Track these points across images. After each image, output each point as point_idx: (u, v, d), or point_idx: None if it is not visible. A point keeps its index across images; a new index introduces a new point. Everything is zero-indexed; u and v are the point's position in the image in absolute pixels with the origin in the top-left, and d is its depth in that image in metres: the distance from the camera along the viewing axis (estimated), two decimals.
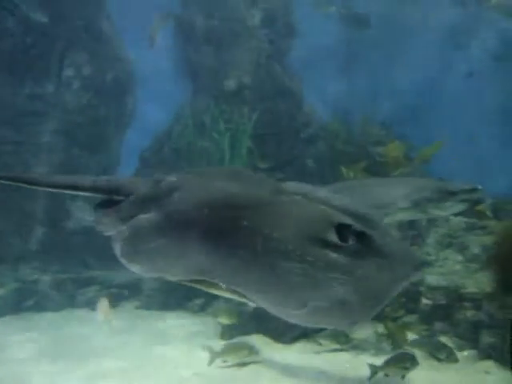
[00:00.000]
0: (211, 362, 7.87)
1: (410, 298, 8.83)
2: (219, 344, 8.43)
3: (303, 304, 3.49)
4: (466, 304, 8.29)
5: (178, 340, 9.29)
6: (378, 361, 7.38)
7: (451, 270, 9.05)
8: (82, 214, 12.26)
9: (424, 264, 3.89)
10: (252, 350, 7.96)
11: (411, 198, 7.30)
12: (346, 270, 3.65)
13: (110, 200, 4.85)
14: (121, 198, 4.78)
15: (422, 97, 19.30)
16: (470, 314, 8.23)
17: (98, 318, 9.19)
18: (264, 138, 12.54)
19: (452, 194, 7.18)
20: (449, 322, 8.45)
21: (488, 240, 8.80)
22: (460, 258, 9.37)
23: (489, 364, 7.59)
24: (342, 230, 3.75)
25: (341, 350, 8.34)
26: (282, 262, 3.72)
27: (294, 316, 3.47)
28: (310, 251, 3.73)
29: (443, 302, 8.56)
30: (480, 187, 7.11)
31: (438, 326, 8.57)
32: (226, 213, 4.15)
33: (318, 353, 8.38)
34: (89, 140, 13.25)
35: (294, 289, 3.60)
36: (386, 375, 7.00)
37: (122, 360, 8.19)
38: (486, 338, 7.79)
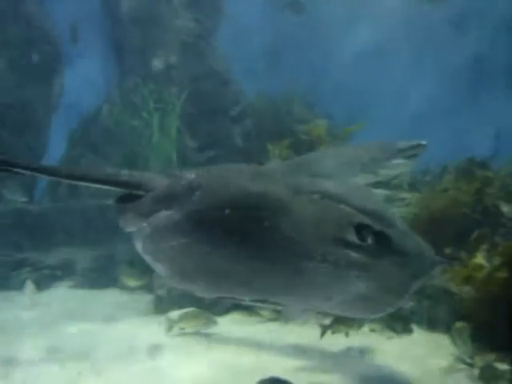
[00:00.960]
0: (169, 329, 8.05)
1: None
2: (154, 319, 8.64)
3: (329, 298, 3.71)
4: None
5: (118, 316, 9.38)
6: (306, 328, 7.92)
7: None
8: (13, 196, 12.15)
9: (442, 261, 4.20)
10: (209, 319, 8.15)
11: (360, 162, 7.57)
12: (366, 267, 3.78)
13: (130, 194, 4.79)
14: (141, 193, 4.73)
15: (352, 76, 19.86)
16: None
17: (26, 300, 9.28)
18: (193, 117, 12.69)
19: (398, 151, 7.45)
20: None
21: (406, 211, 9.26)
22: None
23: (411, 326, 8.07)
24: (361, 229, 3.88)
25: (272, 320, 8.71)
26: (305, 262, 3.81)
27: (321, 307, 3.73)
28: (332, 251, 3.82)
29: None
30: (424, 142, 7.38)
31: None
32: (247, 214, 4.16)
33: (253, 323, 8.71)
34: (16, 122, 13.09)
35: (319, 287, 3.77)
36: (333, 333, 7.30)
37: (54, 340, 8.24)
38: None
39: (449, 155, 10.70)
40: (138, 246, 4.32)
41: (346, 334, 7.04)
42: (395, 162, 7.43)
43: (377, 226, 3.92)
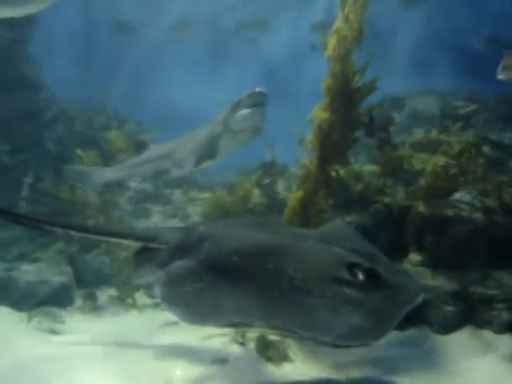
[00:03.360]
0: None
1: None
2: None
3: (330, 331, 3.98)
4: None
5: None
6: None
7: None
8: None
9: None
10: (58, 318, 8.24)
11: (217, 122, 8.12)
12: (359, 301, 4.17)
13: (145, 248, 5.36)
14: (155, 245, 5.28)
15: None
16: None
17: None
18: (5, 122, 12.66)
19: (239, 102, 7.91)
20: None
21: (204, 209, 10.20)
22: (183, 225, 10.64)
23: None
24: (352, 267, 4.33)
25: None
26: (306, 298, 4.16)
27: (324, 340, 4.02)
28: (329, 288, 4.22)
29: None
30: (264, 90, 7.89)
31: None
32: (253, 259, 4.58)
33: None
34: None
35: (320, 320, 4.07)
36: None
37: None
38: None
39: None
40: (158, 294, 4.59)
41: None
42: (243, 112, 8.00)
43: (366, 264, 4.43)
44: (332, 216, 7.95)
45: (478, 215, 8.13)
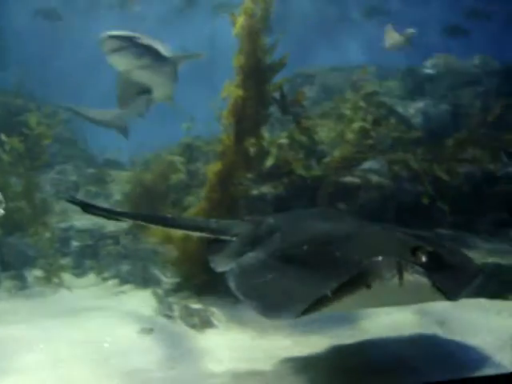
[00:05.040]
0: None
1: (62, 243, 9.96)
2: None
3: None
4: (108, 241, 9.67)
5: None
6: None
7: None
8: None
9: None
10: None
11: None
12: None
13: (218, 240, 5.42)
14: (227, 238, 5.35)
15: None
16: (111, 248, 9.64)
17: None
18: None
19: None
20: (96, 258, 9.76)
21: (125, 188, 10.28)
22: (106, 204, 10.67)
23: (127, 287, 9.07)
24: (416, 250, 4.31)
25: None
26: None
27: None
28: None
29: (90, 242, 9.84)
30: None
31: (87, 263, 9.82)
32: (322, 248, 4.56)
33: None
34: None
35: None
36: None
37: None
38: (125, 267, 9.29)
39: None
40: (231, 285, 4.57)
41: None
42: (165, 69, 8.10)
43: (428, 247, 4.45)
44: (250, 188, 8.24)
45: (386, 182, 8.62)
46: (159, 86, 8.37)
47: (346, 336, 6.22)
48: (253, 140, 7.70)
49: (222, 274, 7.41)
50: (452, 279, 4.42)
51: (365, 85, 10.28)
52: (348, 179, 8.47)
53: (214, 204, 7.51)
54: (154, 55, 7.80)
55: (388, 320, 6.48)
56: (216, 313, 7.10)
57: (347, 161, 8.78)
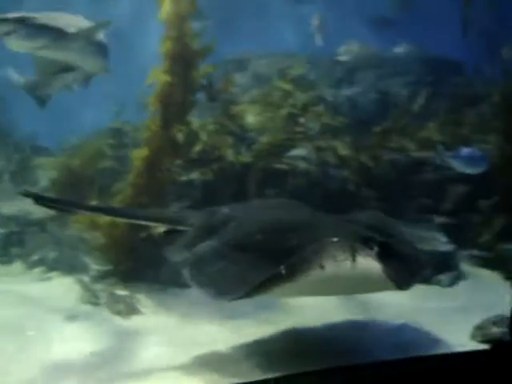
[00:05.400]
0: None
1: None
2: None
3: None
4: (35, 228, 9.42)
5: None
6: None
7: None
8: None
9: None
10: None
11: None
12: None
13: (173, 230, 5.45)
14: (182, 228, 5.37)
15: None
16: (38, 235, 9.36)
17: None
18: None
19: None
20: (22, 245, 9.49)
21: (52, 174, 10.03)
22: (33, 189, 10.32)
23: (54, 274, 8.83)
24: (368, 241, 4.38)
25: None
26: None
27: None
28: None
29: (16, 229, 9.58)
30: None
31: (13, 251, 9.54)
32: (274, 237, 4.69)
33: None
34: None
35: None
36: None
37: None
38: (52, 254, 9.07)
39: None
40: (186, 274, 4.71)
41: None
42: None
43: (379, 237, 4.58)
44: (178, 174, 8.22)
45: (313, 169, 8.76)
46: (82, 61, 8.13)
47: (275, 321, 6.33)
48: (180, 126, 7.67)
49: (151, 260, 7.56)
50: (402, 269, 4.57)
51: (294, 72, 10.37)
52: (276, 166, 8.57)
53: (140, 190, 7.47)
54: (52, 34, 7.52)
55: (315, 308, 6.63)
56: (142, 299, 7.10)
57: (276, 147, 8.87)
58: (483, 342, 5.63)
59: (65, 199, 6.08)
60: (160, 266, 7.52)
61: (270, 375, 4.80)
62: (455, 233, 8.67)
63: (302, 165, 8.66)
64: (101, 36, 8.12)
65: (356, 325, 6.36)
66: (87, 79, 8.71)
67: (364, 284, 4.48)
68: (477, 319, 5.92)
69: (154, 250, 7.52)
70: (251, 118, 9.05)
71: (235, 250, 4.80)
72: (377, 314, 6.61)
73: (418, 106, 10.63)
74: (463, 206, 9.13)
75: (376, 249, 4.36)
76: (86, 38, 7.76)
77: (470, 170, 8.23)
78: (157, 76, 7.50)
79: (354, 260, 4.02)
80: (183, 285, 7.46)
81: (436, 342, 5.79)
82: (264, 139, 8.92)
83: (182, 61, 7.57)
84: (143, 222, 6.04)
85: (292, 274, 4.03)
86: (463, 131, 9.99)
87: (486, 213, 8.88)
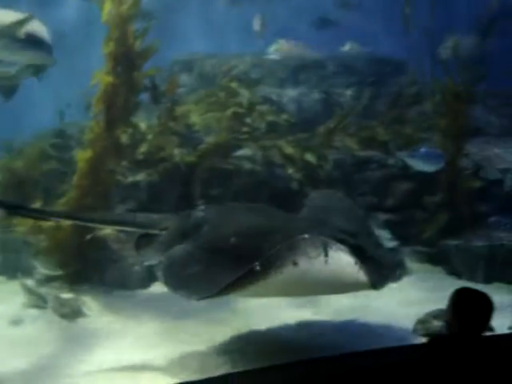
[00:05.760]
0: None
1: None
2: None
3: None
4: None
5: None
6: None
7: None
8: None
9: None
10: None
11: None
12: None
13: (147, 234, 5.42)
14: (156, 231, 5.36)
15: None
16: None
17: None
18: None
19: None
20: None
21: None
22: None
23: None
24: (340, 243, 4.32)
25: None
26: None
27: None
28: None
29: None
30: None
31: None
32: (246, 239, 4.78)
33: None
34: None
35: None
36: None
37: None
38: None
39: None
40: (160, 277, 4.84)
41: None
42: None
43: (351, 240, 4.70)
44: (123, 176, 8.19)
45: (258, 169, 8.84)
46: (17, 56, 7.99)
47: (224, 321, 6.41)
48: (124, 127, 7.66)
49: (96, 262, 7.53)
50: (375, 270, 4.67)
51: (238, 71, 10.43)
52: (222, 166, 8.62)
53: (84, 192, 7.44)
54: None
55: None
56: (88, 302, 7.07)
57: (221, 147, 8.92)
58: (425, 335, 5.82)
59: (39, 209, 6.49)
60: (105, 269, 7.50)
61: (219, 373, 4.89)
62: (400, 229, 8.88)
63: (247, 165, 8.73)
64: (40, 32, 8.00)
65: (304, 323, 6.47)
66: (35, 74, 8.60)
67: (338, 281, 4.54)
68: (420, 313, 6.11)
69: (99, 252, 7.53)
70: (197, 119, 9.08)
71: (209, 253, 4.92)
72: (324, 311, 6.74)
73: (362, 106, 10.81)
74: (408, 203, 9.33)
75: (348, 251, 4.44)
76: (13, 32, 7.57)
77: (427, 169, 8.43)
78: (100, 77, 7.46)
79: (326, 255, 4.13)
80: (129, 286, 7.56)
81: (380, 336, 5.97)
82: (210, 139, 8.96)
83: (125, 62, 7.56)
84: (116, 227, 6.22)
85: (266, 270, 4.12)
86: (406, 130, 10.20)
87: (431, 209, 9.07)
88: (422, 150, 8.31)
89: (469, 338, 3.39)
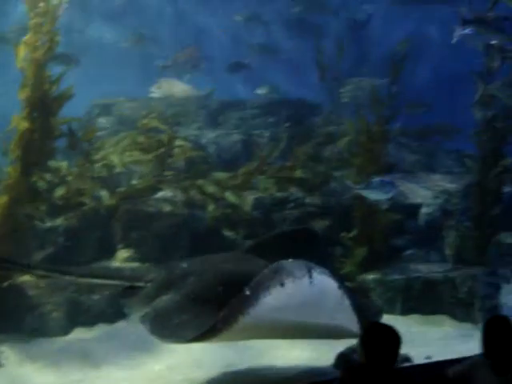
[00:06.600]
0: None
1: None
2: None
3: None
4: None
5: None
6: None
7: None
8: None
9: None
10: None
11: None
12: None
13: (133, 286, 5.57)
14: (142, 284, 5.54)
15: None
16: None
17: None
18: None
19: None
20: None
21: None
22: None
23: None
24: None
25: None
26: None
27: None
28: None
29: None
30: None
31: None
32: (233, 288, 4.75)
33: None
34: None
35: None
36: None
37: None
38: None
39: None
40: (147, 328, 5.04)
41: None
42: None
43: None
44: (41, 220, 8.06)
45: (178, 210, 8.90)
46: None
47: (145, 364, 6.39)
48: (41, 172, 7.61)
49: (13, 310, 7.34)
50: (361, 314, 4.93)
51: (156, 113, 10.50)
52: (141, 208, 8.65)
53: (0, 238, 7.27)
54: None
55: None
56: (5, 351, 6.87)
57: (142, 190, 8.96)
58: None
59: (16, 261, 6.56)
60: (23, 317, 7.32)
61: None
62: (320, 265, 9.03)
63: (167, 207, 8.79)
64: None
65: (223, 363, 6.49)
66: None
67: (324, 306, 4.79)
68: (340, 347, 6.24)
69: (16, 300, 7.35)
70: (117, 161, 9.06)
71: (196, 303, 5.15)
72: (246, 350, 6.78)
73: (279, 149, 11.05)
74: (325, 239, 9.53)
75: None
76: None
77: (380, 197, 8.62)
78: (16, 123, 7.43)
79: (311, 276, 4.41)
80: (48, 333, 7.39)
81: (304, 371, 6.09)
82: (130, 182, 8.99)
83: (41, 107, 7.55)
84: (101, 281, 6.19)
85: (255, 293, 4.42)
86: (321, 168, 10.51)
87: (348, 245, 9.31)
88: (374, 181, 8.53)
89: (377, 369, 3.57)
